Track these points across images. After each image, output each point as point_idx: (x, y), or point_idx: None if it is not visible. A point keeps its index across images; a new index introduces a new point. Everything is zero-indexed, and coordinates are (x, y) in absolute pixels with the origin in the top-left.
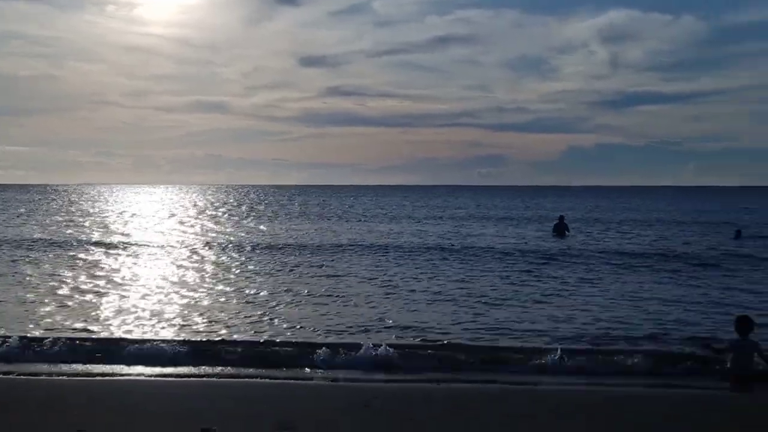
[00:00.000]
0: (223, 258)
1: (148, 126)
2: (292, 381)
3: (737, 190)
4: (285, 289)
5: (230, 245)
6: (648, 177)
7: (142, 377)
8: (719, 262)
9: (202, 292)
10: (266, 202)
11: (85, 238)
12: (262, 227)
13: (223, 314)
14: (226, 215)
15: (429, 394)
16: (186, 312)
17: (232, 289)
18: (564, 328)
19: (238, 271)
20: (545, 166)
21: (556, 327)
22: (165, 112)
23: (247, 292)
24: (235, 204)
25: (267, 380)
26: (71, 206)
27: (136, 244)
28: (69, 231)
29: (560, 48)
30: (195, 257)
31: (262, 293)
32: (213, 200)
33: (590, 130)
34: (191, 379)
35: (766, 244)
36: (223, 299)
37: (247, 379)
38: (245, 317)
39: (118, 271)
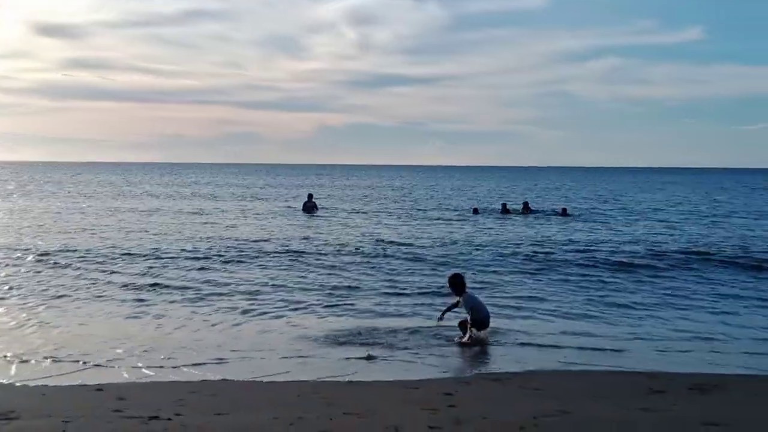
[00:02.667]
0: None
1: None
2: None
3: (473, 170)
4: None
5: None
6: (396, 156)
7: None
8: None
9: None
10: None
11: None
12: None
13: None
14: None
15: None
16: None
17: None
18: None
19: None
20: (298, 144)
21: None
22: None
23: None
24: None
25: None
26: None
27: None
28: None
29: (311, 27)
30: None
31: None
32: None
33: (341, 110)
34: None
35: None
36: None
37: None
38: None
39: None
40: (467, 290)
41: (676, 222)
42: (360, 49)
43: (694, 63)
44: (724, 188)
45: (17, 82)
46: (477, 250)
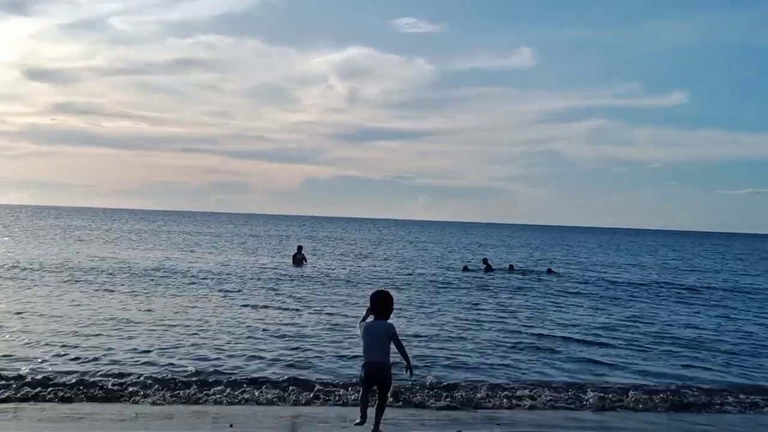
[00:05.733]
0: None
1: None
2: None
3: (458, 225)
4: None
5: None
6: (383, 209)
7: None
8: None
9: None
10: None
11: None
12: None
13: None
14: None
15: None
16: None
17: None
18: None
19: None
20: (285, 195)
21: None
22: None
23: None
24: None
25: None
26: None
27: None
28: None
29: (301, 80)
30: None
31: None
32: None
33: (329, 162)
34: None
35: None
36: None
37: None
38: None
39: None
40: (375, 317)
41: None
42: (349, 103)
43: (678, 127)
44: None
45: (5, 126)
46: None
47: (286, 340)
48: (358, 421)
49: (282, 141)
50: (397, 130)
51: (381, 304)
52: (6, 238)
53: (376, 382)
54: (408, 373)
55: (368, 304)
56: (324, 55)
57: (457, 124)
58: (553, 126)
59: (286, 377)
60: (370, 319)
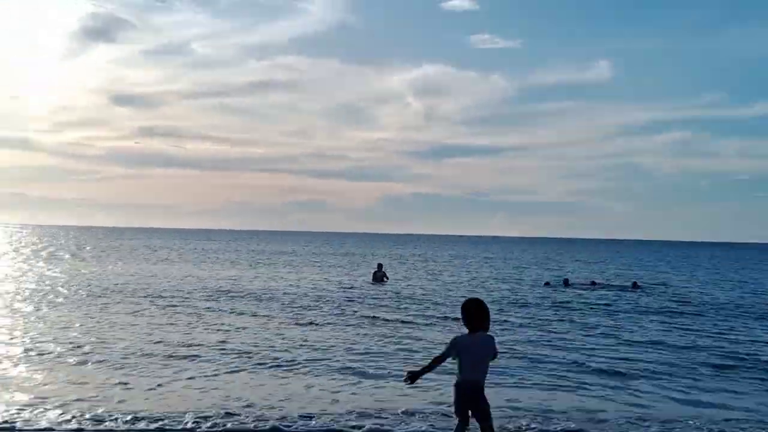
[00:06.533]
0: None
1: None
2: None
3: (538, 241)
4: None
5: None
6: (461, 226)
7: None
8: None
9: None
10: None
11: None
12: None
13: None
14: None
15: None
16: None
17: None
18: None
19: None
20: (363, 213)
21: None
22: None
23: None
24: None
25: None
26: None
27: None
28: None
29: (378, 98)
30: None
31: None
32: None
33: (406, 180)
34: None
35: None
36: None
37: None
38: None
39: None
40: (475, 331)
41: None
42: (425, 120)
43: (766, 137)
44: None
45: (93, 150)
46: None
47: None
48: None
49: (359, 159)
50: (474, 146)
51: (480, 313)
52: (119, 262)
53: (473, 404)
54: None
55: (462, 317)
56: (400, 74)
57: (534, 139)
58: (634, 139)
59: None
60: (463, 331)
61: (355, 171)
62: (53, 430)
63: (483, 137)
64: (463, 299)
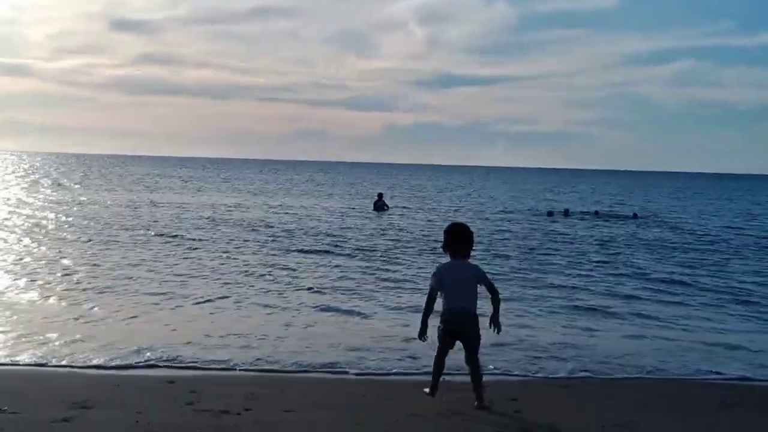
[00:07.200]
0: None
1: None
2: None
3: (539, 171)
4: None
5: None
6: (462, 156)
7: None
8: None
9: None
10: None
11: None
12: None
13: None
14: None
15: None
16: None
17: None
18: None
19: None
20: (365, 142)
21: None
22: None
23: None
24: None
25: None
26: None
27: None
28: None
29: (380, 26)
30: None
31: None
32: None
33: (408, 109)
34: None
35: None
36: None
37: None
38: None
39: None
40: (452, 256)
41: None
42: (428, 48)
43: None
44: None
45: (92, 77)
46: None
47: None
48: (427, 390)
49: (361, 88)
50: (476, 75)
51: (460, 238)
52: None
53: (459, 335)
54: (494, 328)
55: (443, 243)
56: (404, 0)
57: (537, 68)
58: (637, 69)
59: None
60: (445, 260)
61: (356, 100)
62: (100, 366)
63: (486, 66)
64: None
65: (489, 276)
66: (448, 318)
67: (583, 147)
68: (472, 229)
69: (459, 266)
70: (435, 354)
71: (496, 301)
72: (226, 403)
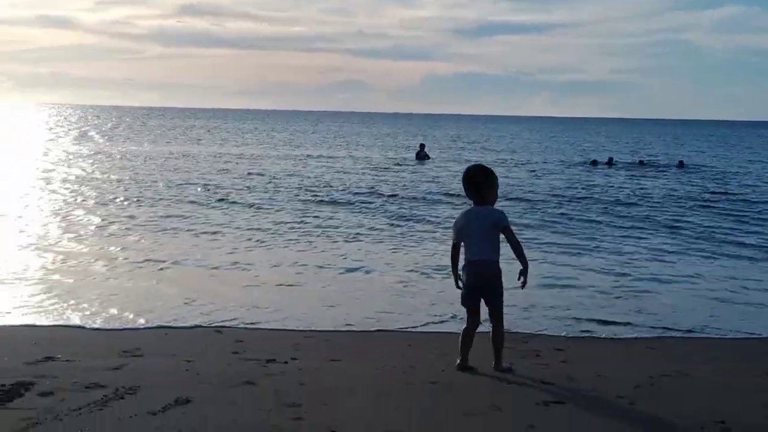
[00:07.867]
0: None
1: None
2: None
3: (582, 120)
4: None
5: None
6: (503, 106)
7: None
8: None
9: None
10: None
11: None
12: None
13: None
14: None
15: None
16: None
17: None
18: None
19: None
20: (405, 93)
21: None
22: (7, 25)
23: None
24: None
25: None
26: None
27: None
28: None
29: None
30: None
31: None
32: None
33: (449, 59)
34: None
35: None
36: None
37: None
38: None
39: None
40: (479, 204)
41: None
42: None
43: None
44: None
45: (134, 29)
46: None
47: None
48: (458, 362)
49: (401, 38)
50: (518, 23)
51: (471, 182)
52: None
53: (483, 289)
54: (521, 279)
55: (464, 189)
56: None
57: (581, 15)
58: (684, 14)
59: None
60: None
61: (396, 50)
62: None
63: (527, 14)
64: (500, 179)
65: (513, 226)
66: (468, 271)
67: (628, 96)
68: (502, 177)
69: (477, 213)
70: (464, 327)
71: (517, 252)
72: (272, 352)
